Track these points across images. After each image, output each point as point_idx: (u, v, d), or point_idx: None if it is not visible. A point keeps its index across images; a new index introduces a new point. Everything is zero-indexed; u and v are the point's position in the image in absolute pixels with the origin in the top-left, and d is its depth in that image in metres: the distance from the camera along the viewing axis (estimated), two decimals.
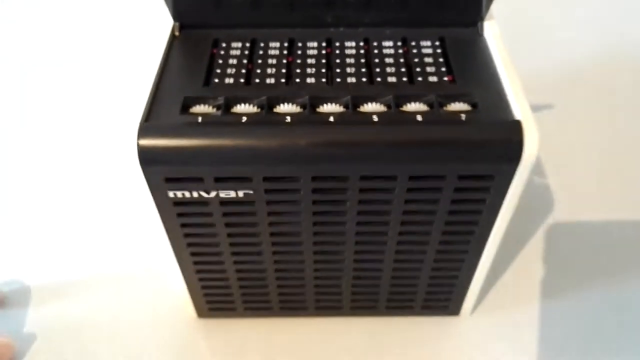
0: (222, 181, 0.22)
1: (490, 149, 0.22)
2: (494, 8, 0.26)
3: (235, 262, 0.27)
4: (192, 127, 0.22)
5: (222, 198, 0.23)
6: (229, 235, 0.25)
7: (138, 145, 0.21)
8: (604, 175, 0.41)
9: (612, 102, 0.47)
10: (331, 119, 0.22)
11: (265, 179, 0.22)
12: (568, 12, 0.59)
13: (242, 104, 0.23)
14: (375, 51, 0.25)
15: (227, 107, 0.22)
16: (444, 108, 0.22)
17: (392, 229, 0.25)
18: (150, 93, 0.23)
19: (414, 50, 0.25)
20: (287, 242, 0.26)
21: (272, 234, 0.25)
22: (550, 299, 0.33)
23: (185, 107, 0.23)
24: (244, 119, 0.22)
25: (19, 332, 0.32)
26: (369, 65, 0.25)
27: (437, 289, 0.29)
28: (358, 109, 0.22)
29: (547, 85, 0.48)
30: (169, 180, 0.22)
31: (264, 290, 0.29)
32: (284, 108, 0.22)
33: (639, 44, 0.53)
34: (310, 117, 0.22)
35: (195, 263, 0.27)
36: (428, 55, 0.25)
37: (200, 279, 0.28)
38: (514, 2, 0.60)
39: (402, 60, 0.25)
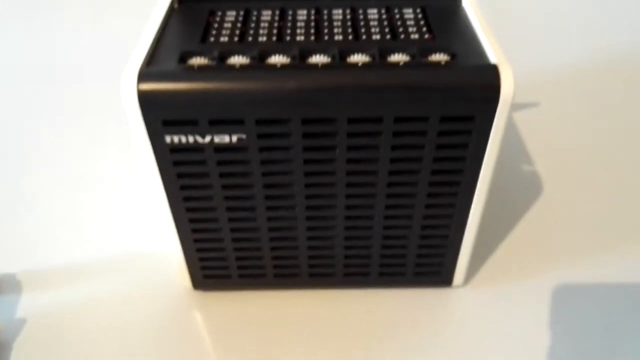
0: (216, 124, 0.24)
1: (469, 90, 0.23)
2: None
3: (230, 220, 0.28)
4: (189, 72, 0.23)
5: (217, 144, 0.24)
6: (224, 187, 0.26)
7: (138, 89, 0.23)
8: (588, 161, 0.42)
9: (596, 99, 0.49)
10: (319, 66, 0.23)
11: (258, 122, 0.24)
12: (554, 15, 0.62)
13: (236, 56, 0.24)
14: (361, 16, 0.27)
15: (221, 59, 0.24)
16: (425, 58, 0.24)
17: (380, 179, 0.26)
18: (150, 48, 0.25)
19: (397, 16, 0.27)
20: (279, 196, 0.27)
21: (265, 186, 0.26)
22: (543, 273, 0.34)
23: (182, 59, 0.24)
24: (237, 67, 0.23)
25: (10, 318, 0.32)
26: (355, 26, 0.26)
27: (428, 251, 0.30)
28: (344, 60, 0.24)
29: (533, 84, 0.50)
30: (166, 123, 0.24)
31: (258, 253, 0.30)
32: (275, 59, 0.24)
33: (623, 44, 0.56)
34: (299, 65, 0.24)
35: (191, 221, 0.28)
36: (410, 19, 0.27)
37: (196, 240, 0.29)
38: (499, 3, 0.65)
39: (385, 23, 0.27)
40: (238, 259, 0.30)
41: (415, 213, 0.28)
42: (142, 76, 0.23)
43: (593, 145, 0.44)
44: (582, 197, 0.39)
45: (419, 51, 0.24)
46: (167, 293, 0.33)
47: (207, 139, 0.24)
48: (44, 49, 0.58)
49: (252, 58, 0.24)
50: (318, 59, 0.24)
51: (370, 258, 0.30)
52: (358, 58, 0.24)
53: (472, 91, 0.23)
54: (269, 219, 0.28)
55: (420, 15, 0.27)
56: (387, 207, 0.28)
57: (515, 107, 0.47)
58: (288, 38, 0.26)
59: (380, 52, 0.24)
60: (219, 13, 0.28)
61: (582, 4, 0.67)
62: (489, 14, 0.28)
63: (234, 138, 0.24)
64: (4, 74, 0.54)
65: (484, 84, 0.23)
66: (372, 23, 0.27)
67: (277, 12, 0.27)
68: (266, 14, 0.27)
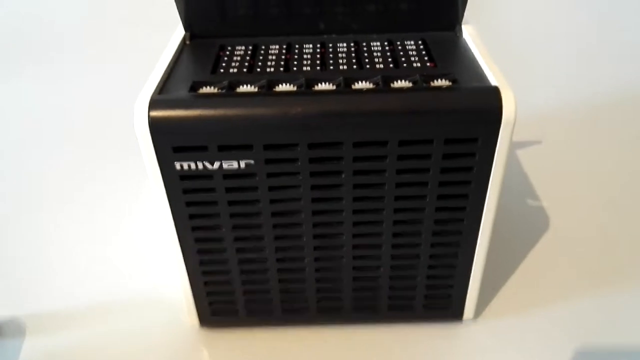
0: (225, 150, 0.24)
1: (471, 112, 0.23)
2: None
3: (238, 251, 0.28)
4: (199, 100, 0.24)
5: (225, 170, 0.25)
6: (232, 215, 0.26)
7: (149, 116, 0.23)
8: (594, 196, 0.42)
9: (599, 134, 0.49)
10: (324, 92, 0.24)
11: (266, 147, 0.24)
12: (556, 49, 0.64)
13: (245, 85, 0.25)
14: (365, 48, 0.28)
15: (230, 87, 0.25)
16: (428, 84, 0.25)
17: (387, 205, 0.26)
18: (161, 79, 0.26)
19: (399, 47, 0.28)
20: (287, 224, 0.27)
21: (273, 214, 0.26)
22: (554, 307, 0.33)
23: (193, 88, 0.25)
24: (246, 94, 0.24)
25: None
26: (359, 57, 0.27)
27: (437, 282, 0.29)
28: (349, 87, 0.25)
29: (536, 122, 0.50)
30: (176, 150, 0.24)
31: (266, 286, 0.30)
32: (282, 87, 0.25)
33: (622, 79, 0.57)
34: (305, 92, 0.24)
35: (199, 252, 0.28)
36: (412, 50, 0.28)
37: (204, 272, 0.29)
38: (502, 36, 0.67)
39: (388, 53, 0.28)
40: (245, 292, 0.30)
41: (423, 241, 0.28)
42: (154, 104, 0.24)
43: (598, 182, 0.44)
44: (588, 231, 0.39)
45: (422, 78, 0.25)
46: (173, 331, 0.32)
47: (216, 165, 0.25)
48: (54, 93, 0.60)
49: (260, 87, 0.25)
50: (324, 86, 0.25)
51: (379, 290, 0.30)
52: (363, 85, 0.25)
53: (475, 113, 0.24)
54: (277, 249, 0.28)
55: (421, 46, 0.28)
56: (395, 234, 0.27)
57: (518, 145, 0.48)
58: (295, 68, 0.26)
59: (384, 79, 0.25)
60: (229, 48, 0.29)
61: (583, 40, 0.70)
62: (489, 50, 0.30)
63: (242, 164, 0.25)
64: (16, 121, 0.55)
65: (485, 105, 0.23)
66: (375, 54, 0.28)
67: (284, 46, 0.29)
68: (274, 48, 0.29)
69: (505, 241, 0.38)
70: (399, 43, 0.29)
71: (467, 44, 0.28)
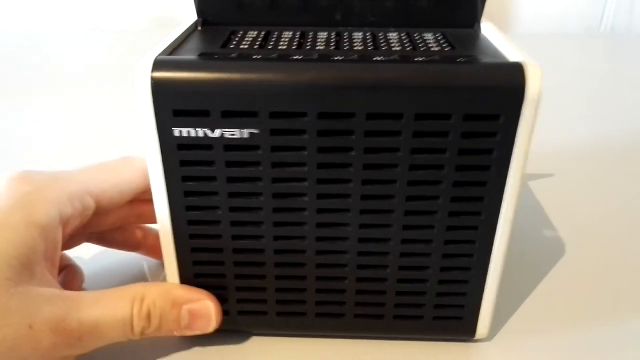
0: (228, 116, 0.23)
1: (493, 86, 0.22)
2: None
3: (234, 238, 0.26)
4: (205, 62, 0.23)
5: (227, 140, 0.23)
6: (230, 195, 0.25)
7: (152, 77, 0.22)
8: (610, 226, 0.40)
9: (607, 169, 0.49)
10: (338, 60, 0.23)
11: (272, 115, 0.23)
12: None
13: (256, 56, 0.24)
14: (382, 36, 0.27)
15: (240, 58, 0.24)
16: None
17: (399, 192, 0.24)
18: (169, 47, 0.25)
19: (417, 37, 0.27)
20: (290, 209, 0.25)
21: (274, 196, 0.25)
22: (570, 332, 0.30)
23: (200, 56, 0.24)
24: (255, 59, 0.23)
25: None
26: (375, 41, 0.26)
27: (449, 288, 0.27)
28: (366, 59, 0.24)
29: (547, 155, 0.49)
30: (177, 113, 0.23)
31: (261, 283, 0.27)
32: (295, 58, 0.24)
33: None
34: (319, 59, 0.23)
35: (192, 237, 0.26)
36: (430, 39, 0.27)
37: (195, 263, 0.27)
38: None
39: (406, 40, 0.27)
40: (239, 289, 0.27)
41: (436, 237, 0.25)
42: (158, 64, 0.22)
43: (615, 212, 0.42)
44: (606, 258, 0.37)
45: (441, 57, 0.24)
46: None
47: (217, 133, 0.23)
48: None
49: (271, 58, 0.24)
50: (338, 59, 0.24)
51: (385, 294, 0.27)
52: (379, 59, 0.24)
53: (497, 87, 0.22)
54: (276, 238, 0.26)
55: (440, 37, 0.27)
56: (405, 227, 0.25)
57: (530, 177, 0.46)
58: (308, 47, 0.25)
59: (402, 56, 0.24)
60: (241, 32, 0.28)
61: (593, 76, 0.71)
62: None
63: (246, 133, 0.23)
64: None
65: (509, 79, 0.22)
66: (392, 40, 0.27)
67: (298, 33, 0.28)
68: (287, 34, 0.28)
69: (521, 266, 0.35)
70: (417, 35, 0.28)
71: (487, 37, 0.27)
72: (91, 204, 0.27)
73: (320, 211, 0.25)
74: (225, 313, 0.28)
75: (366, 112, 0.22)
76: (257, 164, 0.24)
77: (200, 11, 0.29)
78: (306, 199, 0.25)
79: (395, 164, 0.24)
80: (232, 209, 0.25)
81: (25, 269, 0.23)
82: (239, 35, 0.27)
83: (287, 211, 0.25)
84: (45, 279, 0.24)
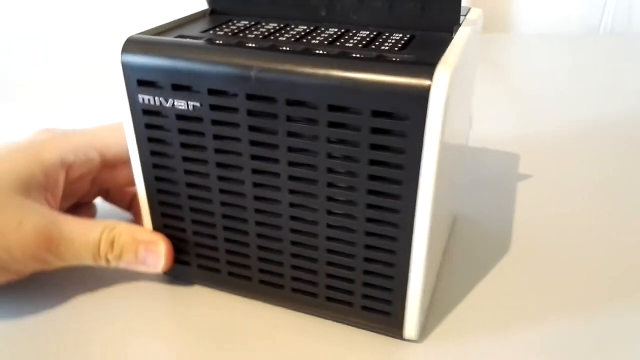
0: (177, 89, 0.26)
1: (398, 85, 0.23)
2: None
3: (190, 198, 0.30)
4: (161, 42, 0.27)
5: (177, 110, 0.27)
6: (184, 159, 0.28)
7: (122, 49, 0.27)
8: (555, 218, 0.38)
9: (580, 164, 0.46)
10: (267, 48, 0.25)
11: (210, 91, 0.26)
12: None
13: (218, 40, 0.27)
14: (350, 33, 0.29)
15: (207, 40, 0.27)
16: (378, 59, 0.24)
17: (320, 176, 0.26)
18: (159, 28, 0.29)
19: (383, 37, 0.28)
20: (230, 178, 0.28)
21: (218, 165, 0.28)
22: (511, 333, 0.29)
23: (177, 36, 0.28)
24: (203, 41, 0.26)
25: None
26: (338, 37, 0.28)
27: (374, 280, 0.28)
28: (306, 53, 0.25)
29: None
30: (140, 82, 0.27)
31: (213, 242, 0.30)
32: (249, 45, 0.26)
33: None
34: (251, 47, 0.26)
35: (159, 192, 0.30)
36: (393, 40, 0.27)
37: (162, 214, 0.31)
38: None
39: (368, 39, 0.28)
40: (197, 245, 0.31)
41: (358, 227, 0.26)
42: (128, 41, 0.27)
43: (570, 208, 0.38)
44: (551, 259, 0.36)
45: (377, 54, 0.25)
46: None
47: (170, 103, 0.27)
48: None
49: (227, 43, 0.27)
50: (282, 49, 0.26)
51: (317, 274, 0.29)
52: (319, 52, 0.25)
53: (401, 86, 0.23)
54: (222, 203, 0.29)
55: (405, 38, 0.28)
56: (329, 212, 0.27)
57: (514, 175, 0.43)
58: (272, 37, 0.28)
59: (342, 52, 0.25)
60: (235, 21, 0.31)
61: (593, 76, 0.71)
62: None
63: (190, 105, 0.27)
64: None
65: (413, 79, 0.22)
66: (354, 38, 0.28)
67: (280, 25, 0.30)
68: (271, 25, 0.30)
69: (467, 267, 0.35)
70: (385, 35, 0.28)
71: (453, 40, 0.27)
72: (95, 156, 0.33)
73: (255, 185, 0.28)
74: (187, 264, 0.32)
75: (285, 97, 0.24)
76: (201, 134, 0.27)
77: (209, 1, 0.33)
78: (243, 171, 0.27)
79: (314, 150, 0.25)
80: (186, 172, 0.29)
81: (23, 189, 0.29)
82: (230, 24, 0.31)
83: (228, 180, 0.28)
84: (39, 200, 0.30)
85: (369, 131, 0.24)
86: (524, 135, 0.54)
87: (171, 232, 0.32)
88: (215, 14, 0.33)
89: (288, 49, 0.26)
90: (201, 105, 0.26)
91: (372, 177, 0.25)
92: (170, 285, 0.33)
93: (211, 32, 0.29)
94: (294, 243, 0.29)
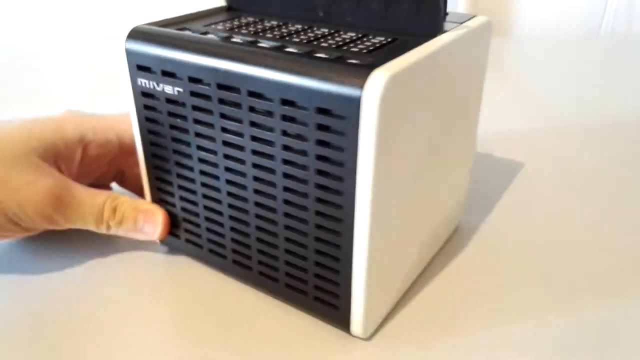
0: (165, 75, 0.29)
1: (334, 84, 0.24)
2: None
3: (178, 176, 0.32)
4: (156, 33, 0.30)
5: (165, 94, 0.30)
6: (172, 139, 0.31)
7: (127, 38, 0.30)
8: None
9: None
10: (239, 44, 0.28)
11: (190, 79, 0.28)
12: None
13: (210, 34, 0.30)
14: (336, 34, 0.30)
15: (201, 34, 0.30)
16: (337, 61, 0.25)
17: (277, 167, 0.27)
18: (164, 21, 0.32)
19: (364, 39, 0.29)
20: (208, 161, 0.30)
21: (198, 147, 0.30)
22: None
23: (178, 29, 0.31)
24: (190, 35, 0.29)
25: None
26: (321, 37, 0.29)
27: (322, 272, 0.29)
28: (278, 50, 0.27)
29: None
30: (139, 67, 0.30)
31: (196, 219, 0.33)
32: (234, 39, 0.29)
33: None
34: (227, 44, 0.28)
35: (155, 168, 0.33)
36: (373, 42, 0.28)
37: (158, 189, 0.34)
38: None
39: (347, 39, 0.29)
40: (184, 220, 0.34)
41: (309, 217, 0.28)
42: (133, 30, 0.30)
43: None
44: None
45: (339, 56, 0.26)
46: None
47: (160, 87, 0.30)
48: None
49: (217, 37, 0.29)
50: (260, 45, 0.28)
51: (278, 260, 0.30)
52: (290, 50, 0.27)
53: (337, 86, 0.24)
54: (202, 184, 0.32)
55: (384, 41, 0.28)
56: (285, 202, 0.28)
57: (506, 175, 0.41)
58: (261, 34, 0.30)
59: (308, 51, 0.27)
60: (243, 17, 0.34)
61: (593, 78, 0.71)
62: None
63: (175, 90, 0.29)
64: None
65: (349, 81, 0.23)
66: (336, 39, 0.29)
67: (280, 23, 0.32)
68: (273, 22, 0.32)
69: (455, 270, 0.35)
70: (371, 37, 0.29)
71: (426, 45, 0.27)
72: (113, 138, 0.37)
73: (227, 169, 0.30)
74: (177, 237, 0.35)
75: (247, 89, 0.26)
76: (184, 117, 0.30)
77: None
78: (216, 157, 0.30)
79: (272, 140, 0.27)
80: (174, 151, 0.32)
81: (43, 153, 0.33)
82: (234, 20, 0.33)
83: (206, 163, 0.31)
84: (55, 166, 0.34)
85: (315, 127, 0.25)
86: (526, 137, 0.54)
87: (165, 207, 0.35)
88: (232, 10, 0.36)
89: (264, 45, 0.28)
90: (183, 91, 0.29)
91: (319, 172, 0.26)
92: (165, 255, 0.37)
93: (213, 26, 0.32)
94: (258, 228, 0.30)
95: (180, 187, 0.33)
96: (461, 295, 0.33)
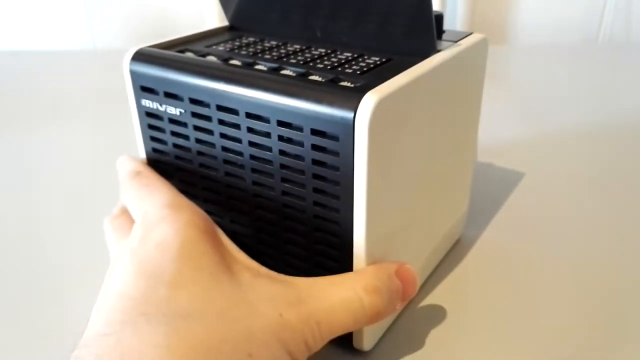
0: (168, 97, 0.30)
1: (330, 109, 0.25)
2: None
3: (181, 191, 0.33)
4: (157, 55, 0.31)
5: (169, 114, 0.31)
6: (175, 157, 0.32)
7: (131, 58, 0.31)
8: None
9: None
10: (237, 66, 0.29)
11: (191, 100, 0.29)
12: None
13: (210, 56, 0.31)
14: (331, 54, 0.31)
15: (200, 55, 0.31)
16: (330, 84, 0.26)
17: (276, 185, 0.28)
18: (172, 41, 0.33)
19: (359, 60, 0.30)
20: (210, 178, 0.31)
21: (200, 165, 0.31)
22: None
23: (179, 51, 0.32)
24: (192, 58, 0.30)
25: None
26: (317, 57, 0.30)
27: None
28: (274, 72, 0.28)
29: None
30: (142, 89, 0.31)
31: None
32: (232, 62, 0.30)
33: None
34: (225, 66, 0.29)
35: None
36: (366, 63, 0.29)
37: None
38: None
39: (343, 60, 0.30)
40: None
41: (309, 234, 0.28)
42: (137, 53, 0.32)
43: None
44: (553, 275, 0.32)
45: (333, 79, 0.27)
46: None
47: (163, 107, 0.31)
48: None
49: (218, 59, 0.30)
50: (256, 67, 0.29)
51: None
52: (286, 72, 0.28)
53: (332, 111, 0.24)
54: (205, 200, 0.33)
55: (379, 62, 0.29)
56: (285, 217, 0.29)
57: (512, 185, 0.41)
58: (260, 54, 0.31)
59: (303, 73, 0.28)
60: (244, 37, 0.35)
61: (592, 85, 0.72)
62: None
63: (177, 111, 0.30)
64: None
65: (342, 106, 0.24)
66: (332, 59, 0.30)
67: (279, 43, 0.33)
68: (274, 42, 0.33)
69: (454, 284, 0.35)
70: (365, 57, 0.30)
71: (417, 67, 0.28)
72: None
73: (228, 186, 0.31)
74: None
75: (245, 110, 0.27)
76: (187, 137, 0.31)
77: (229, 18, 0.37)
78: (219, 174, 0.31)
79: (270, 159, 0.28)
80: (177, 169, 0.33)
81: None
82: (236, 40, 0.34)
83: (208, 180, 0.32)
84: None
85: (310, 147, 0.26)
86: (525, 145, 0.55)
87: None
88: (234, 29, 0.37)
89: (262, 67, 0.29)
90: (185, 111, 0.30)
91: (315, 190, 0.27)
92: None
93: (214, 47, 0.33)
94: (259, 242, 0.31)
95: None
96: (462, 308, 0.34)
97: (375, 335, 0.31)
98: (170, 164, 0.33)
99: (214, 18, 0.86)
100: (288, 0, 0.32)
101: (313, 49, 0.32)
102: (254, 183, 0.29)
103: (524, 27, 0.91)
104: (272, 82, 0.27)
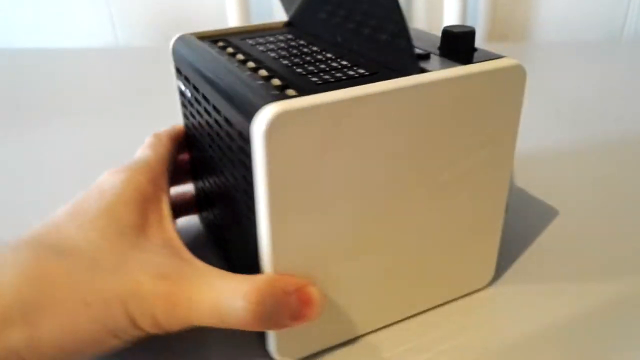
0: (185, 79, 0.34)
1: (241, 115, 0.25)
2: None
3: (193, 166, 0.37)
4: (190, 42, 0.34)
5: (187, 95, 0.34)
6: (190, 136, 0.36)
7: (173, 44, 0.36)
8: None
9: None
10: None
11: (194, 86, 0.32)
12: None
13: (230, 47, 0.33)
14: (333, 60, 0.30)
15: (222, 48, 0.34)
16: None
17: (228, 178, 0.30)
18: (206, 32, 0.37)
19: (346, 69, 0.28)
20: (203, 161, 0.34)
21: (209, 145, 0.34)
22: None
23: (213, 42, 0.35)
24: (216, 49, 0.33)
25: None
26: (314, 62, 0.29)
27: None
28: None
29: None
30: (177, 70, 0.36)
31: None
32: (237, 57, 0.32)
33: None
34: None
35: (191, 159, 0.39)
36: (347, 74, 0.27)
37: (193, 166, 0.40)
38: None
39: (335, 66, 0.28)
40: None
41: (243, 231, 0.29)
42: (177, 38, 0.36)
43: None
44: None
45: (284, 85, 0.26)
46: None
47: (184, 88, 0.35)
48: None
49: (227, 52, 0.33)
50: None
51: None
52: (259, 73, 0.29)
53: (241, 117, 0.25)
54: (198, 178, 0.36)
55: (365, 72, 0.27)
56: (231, 209, 0.30)
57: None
58: (272, 51, 0.32)
59: (270, 75, 0.28)
60: (285, 33, 0.36)
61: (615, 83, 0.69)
62: None
63: (188, 92, 0.34)
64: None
65: (246, 113, 0.25)
66: (325, 64, 0.29)
67: (298, 42, 0.33)
68: (300, 42, 0.34)
69: None
70: (356, 67, 0.28)
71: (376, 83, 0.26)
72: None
73: (208, 173, 0.33)
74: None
75: (212, 103, 0.29)
76: (193, 116, 0.34)
77: (289, 15, 0.38)
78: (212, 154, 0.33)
79: (225, 152, 0.29)
80: (194, 146, 0.36)
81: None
82: (273, 37, 0.36)
83: (202, 163, 0.34)
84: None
85: (237, 146, 0.27)
86: (546, 145, 0.53)
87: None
88: (290, 25, 0.38)
89: (252, 64, 0.30)
90: (191, 94, 0.33)
91: (244, 190, 0.27)
92: None
93: (247, 40, 0.35)
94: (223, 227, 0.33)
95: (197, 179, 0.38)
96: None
97: (298, 349, 0.30)
98: (194, 136, 0.36)
99: (236, 13, 0.85)
100: (332, 2, 0.32)
101: (325, 52, 0.31)
102: (220, 172, 0.31)
103: (546, 23, 0.90)
104: (227, 78, 0.28)
